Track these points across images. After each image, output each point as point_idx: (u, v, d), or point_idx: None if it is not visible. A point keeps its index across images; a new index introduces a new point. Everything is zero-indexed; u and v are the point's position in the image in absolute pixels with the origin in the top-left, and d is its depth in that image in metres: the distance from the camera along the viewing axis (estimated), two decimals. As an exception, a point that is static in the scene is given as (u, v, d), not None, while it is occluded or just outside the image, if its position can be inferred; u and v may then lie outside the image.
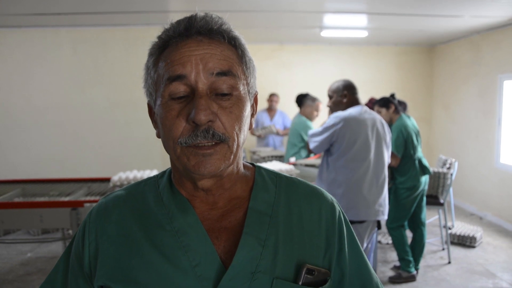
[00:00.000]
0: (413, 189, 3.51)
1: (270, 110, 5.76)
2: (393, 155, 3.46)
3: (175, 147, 0.67)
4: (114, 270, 0.71)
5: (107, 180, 3.33)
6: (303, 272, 0.71)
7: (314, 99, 4.43)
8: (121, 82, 4.90)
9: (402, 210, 3.55)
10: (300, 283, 0.70)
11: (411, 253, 3.59)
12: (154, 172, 3.09)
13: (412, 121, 3.67)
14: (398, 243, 3.57)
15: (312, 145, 2.72)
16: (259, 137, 5.58)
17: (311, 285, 0.72)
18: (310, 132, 2.79)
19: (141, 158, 4.94)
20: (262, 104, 5.83)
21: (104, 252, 0.73)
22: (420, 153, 3.61)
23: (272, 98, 5.72)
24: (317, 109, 4.44)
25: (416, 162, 3.54)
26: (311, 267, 0.72)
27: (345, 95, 2.71)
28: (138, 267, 0.70)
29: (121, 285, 0.70)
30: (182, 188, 0.75)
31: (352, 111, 2.62)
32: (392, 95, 3.71)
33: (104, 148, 4.97)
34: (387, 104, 3.68)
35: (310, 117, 4.42)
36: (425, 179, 3.61)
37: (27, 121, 4.92)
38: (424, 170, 3.57)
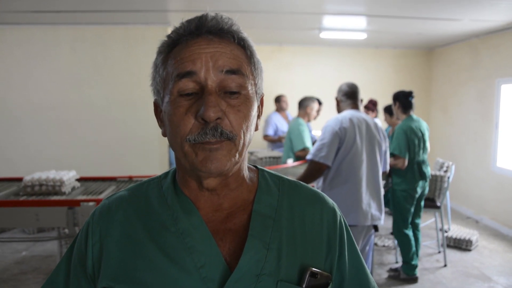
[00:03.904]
0: (408, 191, 3.50)
1: (281, 111, 5.38)
2: (397, 157, 3.43)
3: (182, 144, 0.67)
4: (118, 271, 0.71)
5: (107, 179, 3.32)
6: (307, 275, 0.71)
7: (313, 99, 4.39)
8: (120, 81, 4.89)
9: (401, 213, 3.54)
10: (304, 286, 0.71)
11: (417, 257, 3.57)
12: (72, 173, 3.04)
13: (420, 123, 3.56)
14: (403, 247, 3.55)
15: (321, 154, 2.54)
16: (272, 141, 5.15)
17: None
18: (313, 148, 2.62)
19: (139, 157, 4.93)
20: (270, 106, 5.54)
21: (108, 253, 0.73)
22: (421, 157, 3.55)
23: (282, 99, 5.36)
24: (317, 109, 4.39)
25: (415, 166, 3.51)
26: (315, 270, 0.72)
27: (336, 99, 2.76)
28: (143, 268, 0.70)
29: (125, 286, 0.70)
30: (186, 188, 0.75)
31: (343, 115, 2.62)
32: (410, 93, 3.55)
33: (102, 147, 4.96)
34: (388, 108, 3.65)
35: (310, 117, 4.36)
36: (422, 184, 3.56)
37: (25, 119, 4.90)
38: (421, 175, 3.54)
